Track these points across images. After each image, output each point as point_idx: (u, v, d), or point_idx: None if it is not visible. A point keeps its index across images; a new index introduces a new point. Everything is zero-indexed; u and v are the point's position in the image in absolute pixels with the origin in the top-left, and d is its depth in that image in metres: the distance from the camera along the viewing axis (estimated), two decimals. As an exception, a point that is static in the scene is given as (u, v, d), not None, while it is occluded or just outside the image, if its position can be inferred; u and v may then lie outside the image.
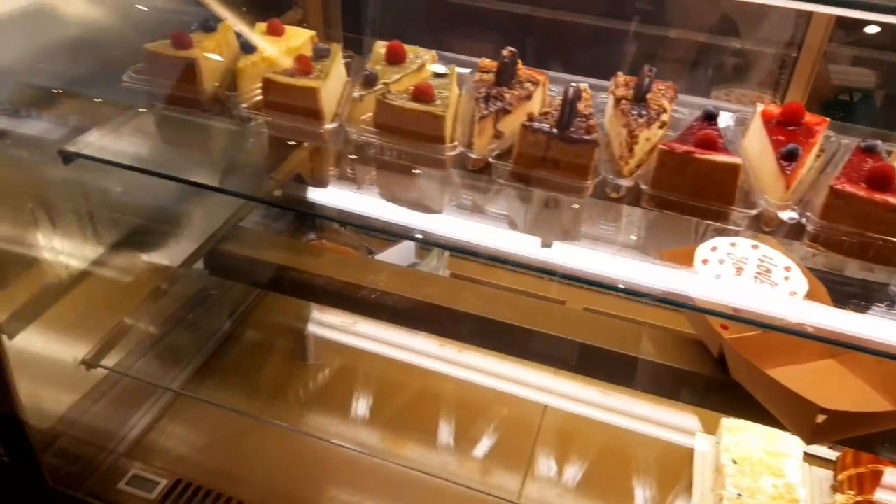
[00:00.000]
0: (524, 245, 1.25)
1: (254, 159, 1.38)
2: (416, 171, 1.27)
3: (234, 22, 1.43)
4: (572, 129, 1.16)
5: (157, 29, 1.46)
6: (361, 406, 1.84)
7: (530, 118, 1.19)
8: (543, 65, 1.46)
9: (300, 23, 1.88)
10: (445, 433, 1.79)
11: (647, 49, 2.10)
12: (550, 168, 1.18)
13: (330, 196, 1.33)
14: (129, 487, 1.56)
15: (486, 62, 1.38)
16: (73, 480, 1.56)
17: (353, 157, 1.30)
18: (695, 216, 1.14)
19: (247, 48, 1.37)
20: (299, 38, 1.46)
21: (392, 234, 1.22)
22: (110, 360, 1.59)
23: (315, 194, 1.34)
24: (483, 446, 1.77)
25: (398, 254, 2.21)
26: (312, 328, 1.96)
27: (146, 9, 1.53)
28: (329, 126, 1.29)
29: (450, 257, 2.15)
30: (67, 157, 1.26)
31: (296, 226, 2.38)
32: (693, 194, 1.13)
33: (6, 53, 1.32)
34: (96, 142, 1.30)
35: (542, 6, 2.16)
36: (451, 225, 1.26)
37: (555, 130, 1.15)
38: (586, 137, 1.15)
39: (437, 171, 1.27)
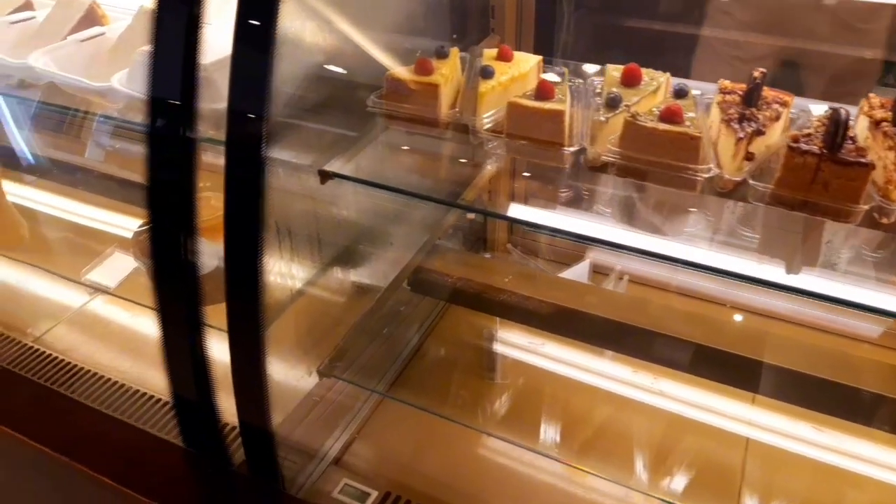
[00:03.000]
0: (774, 268, 1.22)
1: (495, 181, 1.41)
2: (667, 192, 1.26)
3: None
4: (843, 151, 1.12)
5: (388, 54, 1.54)
6: (550, 431, 1.83)
7: (795, 139, 1.16)
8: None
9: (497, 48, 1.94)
10: (639, 464, 1.75)
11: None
12: (819, 192, 1.14)
13: (579, 217, 1.35)
14: (343, 497, 1.61)
15: (725, 83, 1.37)
16: (291, 486, 1.62)
17: (597, 178, 1.31)
18: None
19: (486, 73, 1.41)
20: (528, 62, 1.49)
21: (645, 254, 1.21)
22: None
23: (565, 215, 1.35)
24: (679, 481, 1.71)
25: (571, 276, 2.21)
26: (500, 347, 1.97)
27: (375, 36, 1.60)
28: (572, 148, 1.30)
29: (629, 283, 2.12)
30: (325, 177, 1.33)
31: (467, 246, 2.42)
32: None
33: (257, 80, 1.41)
34: (348, 162, 1.37)
35: (719, 27, 2.14)
36: (704, 248, 1.25)
37: (825, 152, 1.12)
38: (862, 160, 1.11)
39: (687, 193, 1.25)
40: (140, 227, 1.76)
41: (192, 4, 1.22)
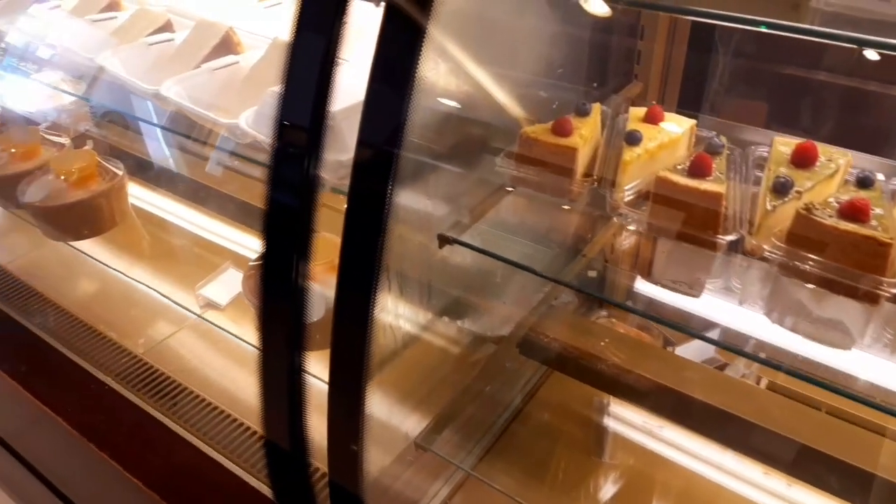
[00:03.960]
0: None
1: (627, 262, 1.27)
2: (839, 301, 1.07)
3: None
4: None
5: (522, 103, 1.42)
6: (660, 524, 1.65)
7: None
8: None
9: (639, 97, 1.78)
10: (760, 576, 1.54)
11: None
12: None
13: (724, 313, 1.18)
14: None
15: (922, 172, 1.16)
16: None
17: (753, 272, 1.14)
18: None
19: (632, 139, 1.26)
20: (679, 126, 1.34)
21: (808, 379, 1.03)
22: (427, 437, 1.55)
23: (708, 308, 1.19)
24: None
25: (696, 346, 2.01)
26: (610, 422, 1.81)
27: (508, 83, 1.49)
28: (728, 236, 1.13)
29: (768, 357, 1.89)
30: (444, 241, 1.23)
31: (580, 299, 2.26)
32: None
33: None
34: (469, 226, 1.26)
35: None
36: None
37: None
38: None
39: (861, 304, 1.06)
40: (251, 264, 1.73)
41: (328, 43, 1.15)
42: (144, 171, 2.57)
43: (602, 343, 1.69)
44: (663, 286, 1.53)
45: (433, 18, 1.06)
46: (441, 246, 1.24)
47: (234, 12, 1.87)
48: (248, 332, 2.04)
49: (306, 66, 1.14)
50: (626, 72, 1.81)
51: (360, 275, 1.16)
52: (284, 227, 1.22)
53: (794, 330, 1.16)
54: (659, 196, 1.17)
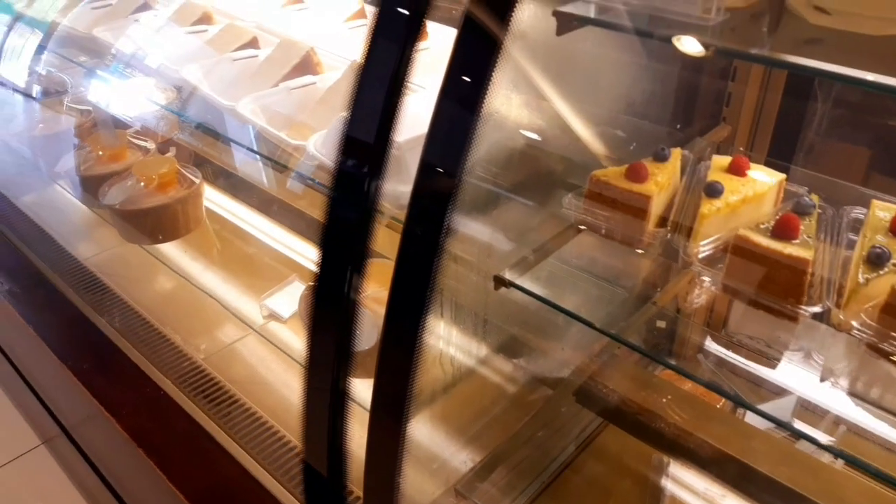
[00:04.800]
0: None
1: (695, 319, 1.18)
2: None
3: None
4: None
5: (598, 141, 1.36)
6: None
7: None
8: None
9: (726, 142, 1.68)
10: None
11: None
12: None
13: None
14: None
15: None
16: None
17: (840, 345, 1.03)
18: None
19: (712, 191, 1.18)
20: (766, 179, 1.24)
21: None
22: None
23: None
24: None
25: (770, 408, 1.87)
26: (669, 483, 1.69)
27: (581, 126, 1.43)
28: (812, 308, 1.03)
29: (847, 432, 1.74)
30: (500, 284, 1.18)
31: (650, 343, 2.15)
32: None
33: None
34: (529, 269, 1.20)
35: None
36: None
37: None
38: None
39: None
40: (309, 284, 1.72)
41: (396, 68, 1.12)
42: (223, 179, 2.63)
43: (664, 400, 1.59)
44: (738, 342, 1.43)
45: (509, 44, 1.01)
46: (497, 288, 1.18)
47: (320, 32, 1.89)
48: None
49: (371, 91, 1.11)
50: (714, 114, 1.71)
51: (410, 306, 1.12)
52: (338, 250, 1.20)
53: (881, 410, 1.04)
54: (737, 255, 1.08)
